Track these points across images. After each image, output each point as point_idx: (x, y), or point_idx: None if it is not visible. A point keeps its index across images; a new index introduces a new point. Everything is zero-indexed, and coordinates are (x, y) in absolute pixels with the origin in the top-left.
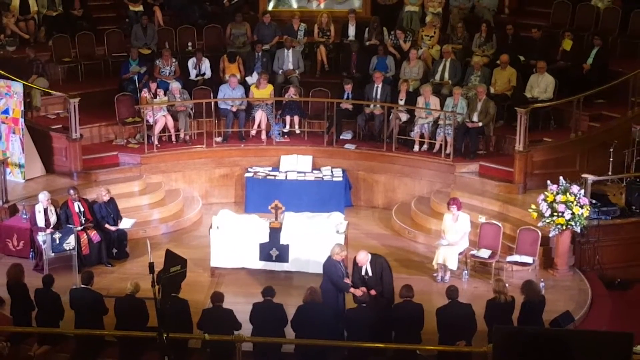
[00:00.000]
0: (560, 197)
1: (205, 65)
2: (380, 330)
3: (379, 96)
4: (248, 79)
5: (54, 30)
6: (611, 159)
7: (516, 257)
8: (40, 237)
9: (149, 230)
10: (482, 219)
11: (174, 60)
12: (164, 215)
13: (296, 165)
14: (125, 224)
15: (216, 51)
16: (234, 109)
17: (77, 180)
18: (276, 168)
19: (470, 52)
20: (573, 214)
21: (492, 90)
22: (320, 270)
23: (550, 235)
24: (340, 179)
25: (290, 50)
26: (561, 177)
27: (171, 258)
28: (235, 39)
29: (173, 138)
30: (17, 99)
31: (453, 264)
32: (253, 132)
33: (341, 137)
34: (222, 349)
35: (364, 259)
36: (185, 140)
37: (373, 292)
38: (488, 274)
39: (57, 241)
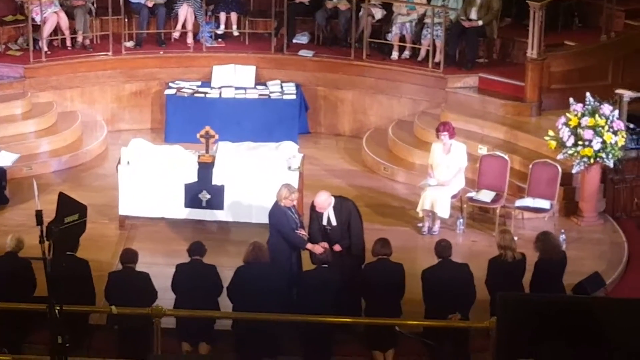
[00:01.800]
0: (586, 120)
1: None
2: (346, 299)
3: None
4: None
5: None
6: None
7: (528, 201)
8: None
9: (35, 167)
10: (483, 150)
11: None
12: (56, 146)
13: (234, 78)
14: (3, 159)
15: None
16: (150, 4)
17: None
18: (207, 83)
19: None
20: (604, 142)
21: None
22: (266, 220)
23: (574, 171)
24: (294, 96)
25: None
26: (588, 94)
27: (66, 204)
28: None
29: (68, 42)
30: None
31: (444, 211)
32: (176, 35)
33: (294, 41)
34: (134, 325)
35: (325, 202)
36: (85, 46)
37: (337, 247)
38: (491, 224)
39: None
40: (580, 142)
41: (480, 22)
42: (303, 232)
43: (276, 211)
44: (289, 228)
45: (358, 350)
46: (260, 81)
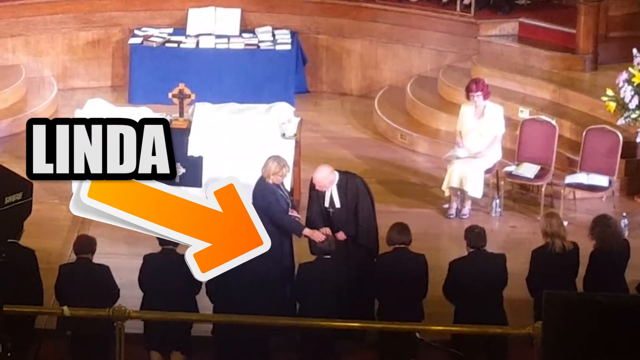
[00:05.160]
0: None
1: None
2: (354, 298)
3: None
4: None
5: None
6: None
7: (581, 177)
8: None
9: None
10: (525, 114)
11: None
12: None
13: (214, 24)
14: None
15: None
16: None
17: None
18: (181, 30)
19: None
20: None
21: None
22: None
23: (639, 140)
24: (288, 47)
25: None
26: None
27: (7, 180)
28: None
29: None
30: None
31: (476, 189)
32: None
33: None
34: (92, 330)
35: (327, 179)
36: None
37: (341, 235)
38: (534, 205)
39: None
40: None
41: None
42: (296, 214)
43: (263, 190)
44: (281, 210)
45: None
46: (247, 28)
